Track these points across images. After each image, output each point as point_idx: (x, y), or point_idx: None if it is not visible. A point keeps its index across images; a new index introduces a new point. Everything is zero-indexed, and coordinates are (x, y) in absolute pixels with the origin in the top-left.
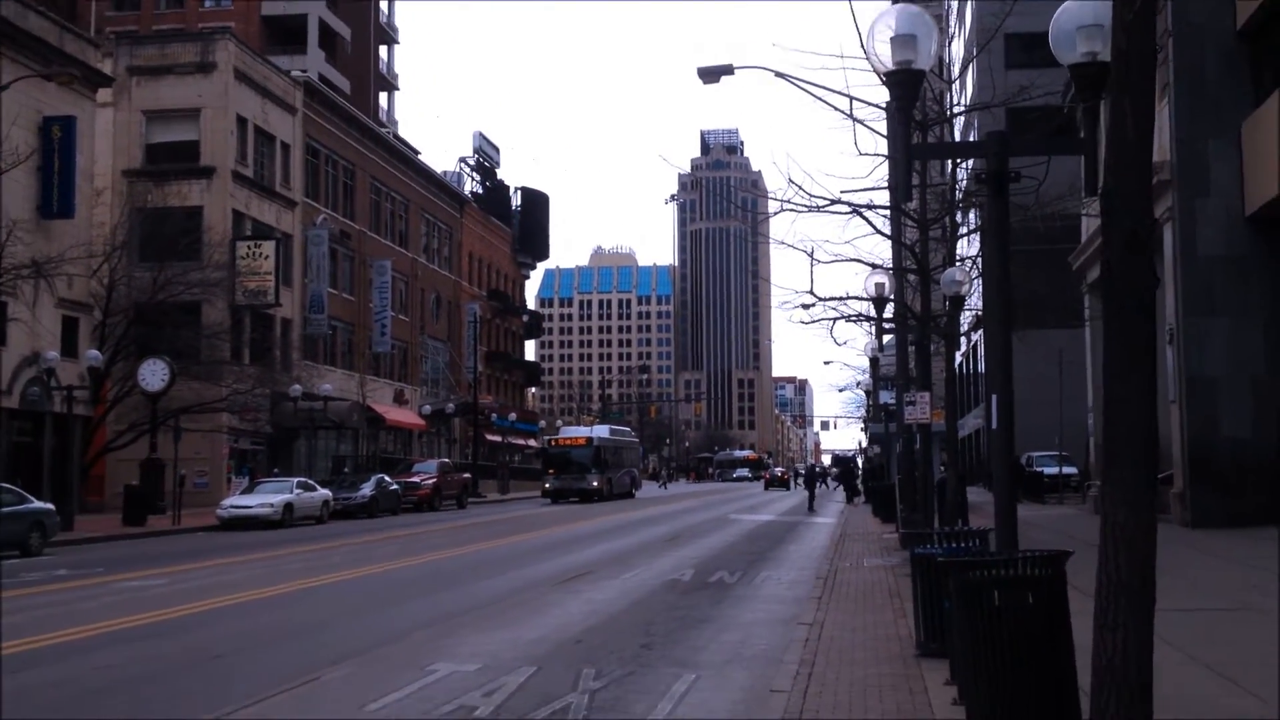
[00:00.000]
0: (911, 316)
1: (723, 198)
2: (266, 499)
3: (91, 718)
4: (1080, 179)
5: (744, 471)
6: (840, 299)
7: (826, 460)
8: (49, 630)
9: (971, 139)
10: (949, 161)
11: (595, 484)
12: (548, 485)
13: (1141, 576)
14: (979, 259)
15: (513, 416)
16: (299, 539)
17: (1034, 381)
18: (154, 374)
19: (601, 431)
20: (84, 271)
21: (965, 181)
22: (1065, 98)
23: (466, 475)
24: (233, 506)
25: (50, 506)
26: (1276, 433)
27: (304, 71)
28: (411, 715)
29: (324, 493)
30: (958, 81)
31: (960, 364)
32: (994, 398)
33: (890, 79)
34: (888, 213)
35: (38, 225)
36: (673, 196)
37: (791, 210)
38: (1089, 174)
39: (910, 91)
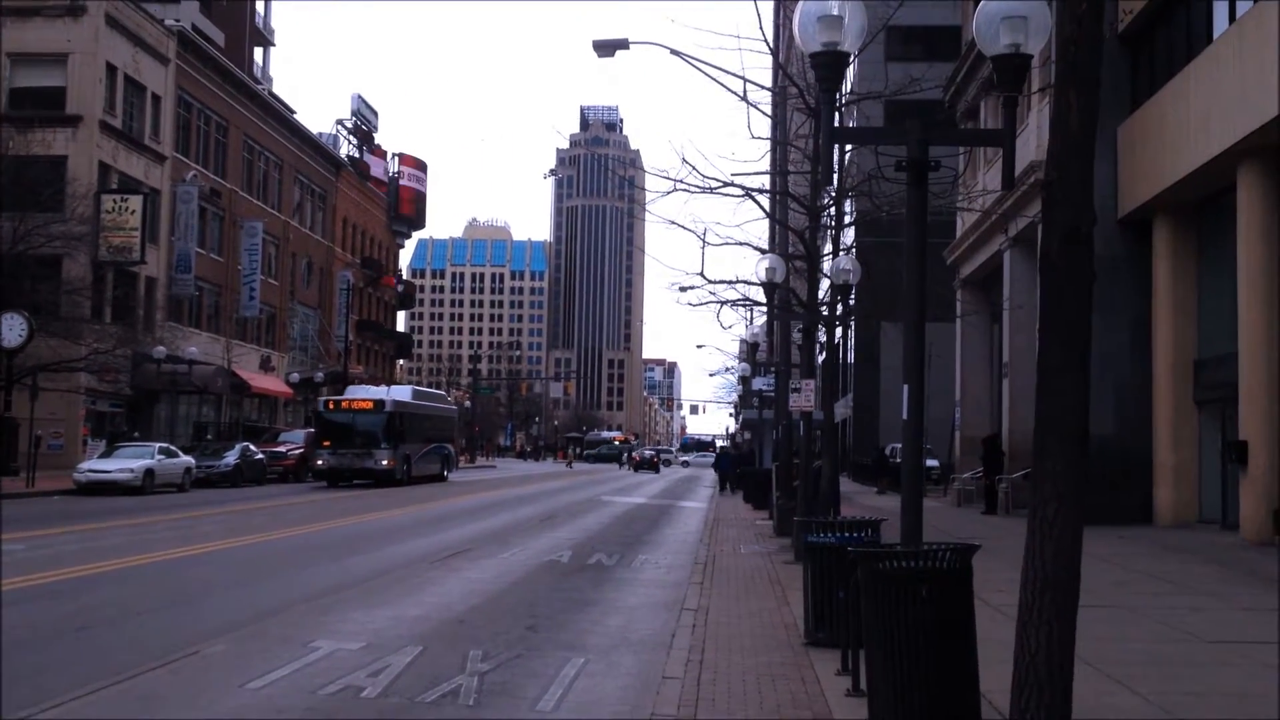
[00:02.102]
0: (799, 303)
1: (602, 174)
2: (126, 464)
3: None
4: (957, 173)
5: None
6: (729, 282)
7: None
8: None
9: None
10: (837, 149)
11: (385, 462)
12: (319, 462)
13: (1069, 572)
14: (854, 248)
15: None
16: (162, 507)
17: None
18: (11, 329)
19: (401, 393)
20: None
21: (848, 167)
22: (946, 93)
23: None
24: (91, 471)
25: None
26: (1135, 432)
27: (178, 21)
28: (296, 694)
29: (186, 459)
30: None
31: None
32: (905, 388)
33: (816, 59)
34: (778, 198)
35: None
36: (551, 171)
37: (685, 190)
38: (1007, 166)
39: (835, 73)
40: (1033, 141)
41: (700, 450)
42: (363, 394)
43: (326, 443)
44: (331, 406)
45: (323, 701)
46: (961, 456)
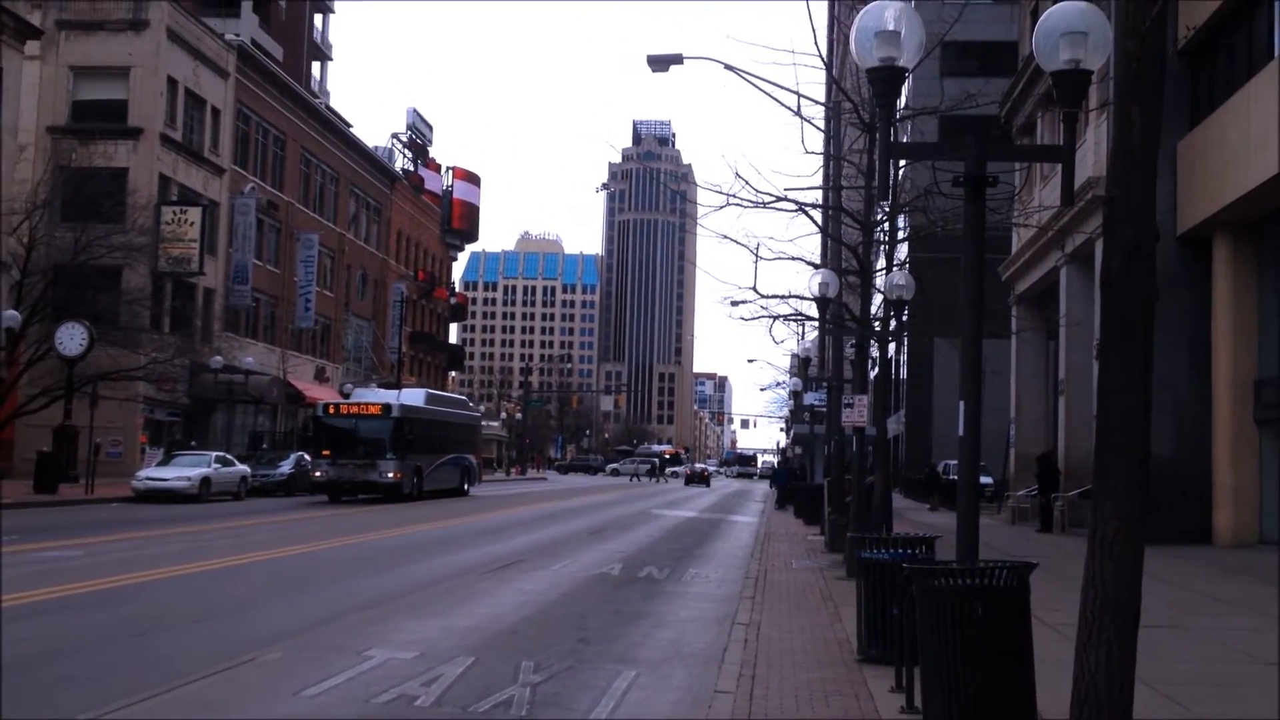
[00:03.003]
0: (851, 319)
1: (654, 189)
2: (183, 472)
3: (8, 693)
4: (1014, 188)
5: (631, 465)
6: (782, 297)
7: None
8: None
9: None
10: (892, 165)
11: (392, 475)
12: (318, 474)
13: (1129, 592)
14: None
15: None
16: (218, 515)
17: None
18: (72, 338)
19: (412, 397)
20: (4, 229)
21: (903, 182)
22: (1002, 108)
23: None
24: (149, 478)
25: None
26: (1194, 452)
27: (237, 36)
28: (350, 702)
29: (242, 468)
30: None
31: (880, 370)
32: (961, 404)
33: (873, 75)
34: (831, 212)
35: None
36: (604, 185)
37: (738, 205)
38: (1066, 182)
39: (892, 88)
40: (1089, 158)
41: (742, 464)
42: (369, 398)
43: (326, 452)
44: (332, 411)
45: (376, 710)
46: (1016, 474)
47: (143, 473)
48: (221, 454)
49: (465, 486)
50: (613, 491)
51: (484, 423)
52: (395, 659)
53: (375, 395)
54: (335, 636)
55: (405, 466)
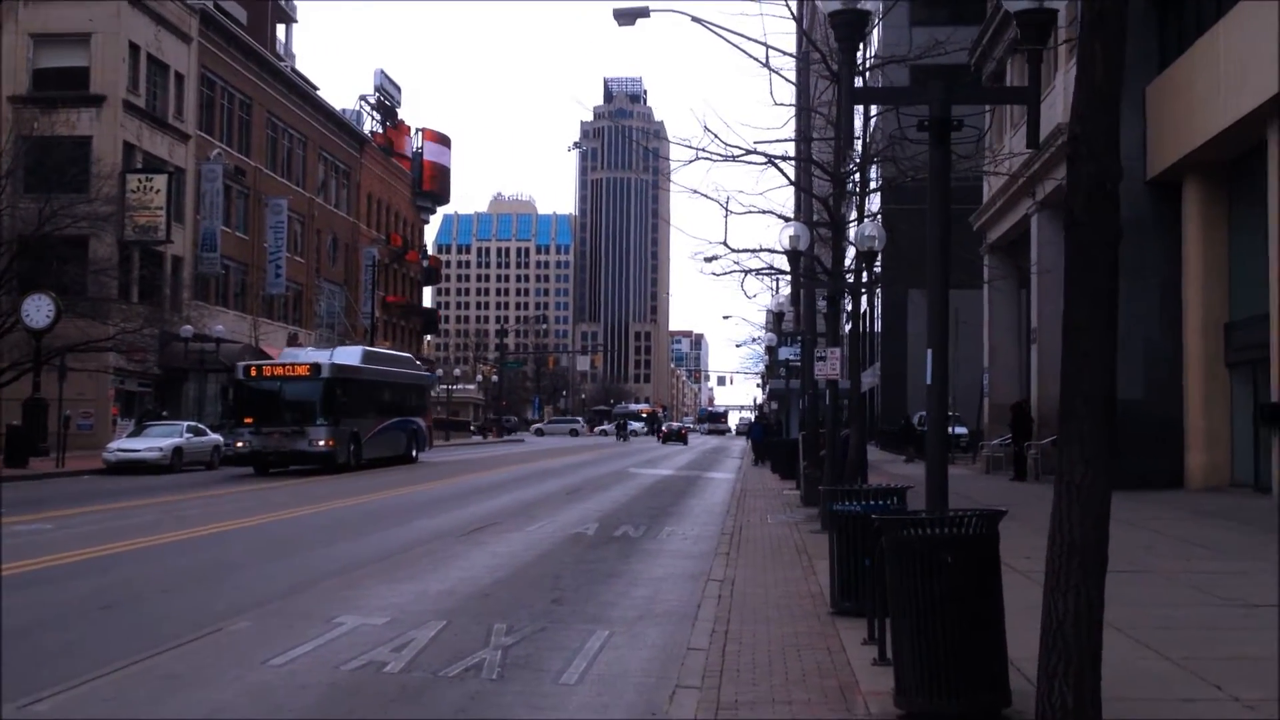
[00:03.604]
0: (823, 271)
1: (626, 147)
2: (155, 443)
3: None
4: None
5: (607, 426)
6: (753, 251)
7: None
8: None
9: None
10: (862, 115)
11: (323, 443)
12: (239, 444)
13: (1097, 537)
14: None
15: (426, 368)
16: (191, 485)
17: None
18: (38, 310)
19: (347, 355)
20: None
21: (873, 132)
22: (972, 56)
23: None
24: (120, 450)
25: None
26: (1166, 396)
27: None
28: (319, 669)
29: (215, 438)
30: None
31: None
32: (929, 353)
33: (835, 19)
34: (801, 165)
35: None
36: (575, 144)
37: (706, 159)
38: (1032, 123)
39: (855, 32)
40: (1059, 104)
41: (713, 421)
42: (299, 357)
43: (249, 420)
44: (254, 374)
45: (345, 677)
46: (990, 423)
47: (114, 444)
48: (194, 424)
49: (414, 453)
50: (589, 451)
51: (461, 386)
52: (366, 625)
53: (305, 354)
54: (305, 604)
55: (339, 433)
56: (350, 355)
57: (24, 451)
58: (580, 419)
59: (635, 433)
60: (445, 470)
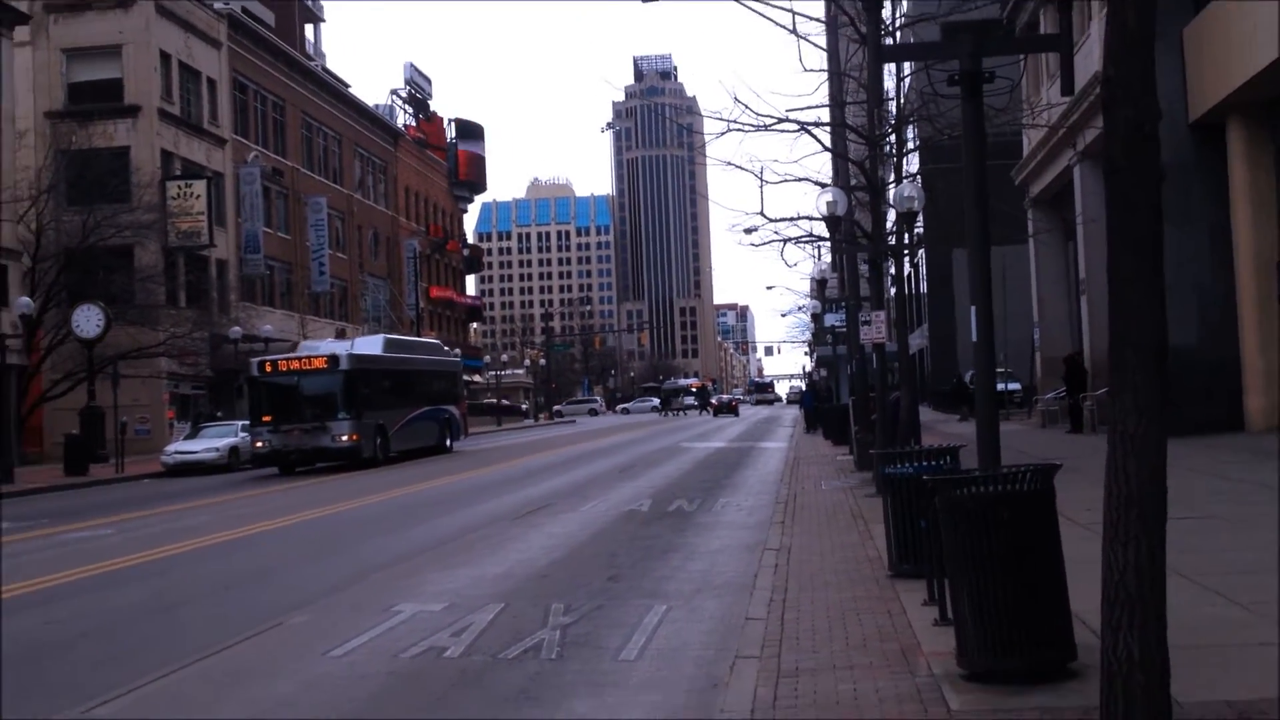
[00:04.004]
0: (863, 235)
1: (659, 124)
2: (211, 443)
3: (44, 675)
4: (1024, 91)
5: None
6: (791, 219)
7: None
8: None
9: None
10: (895, 76)
11: (346, 438)
12: (258, 444)
13: (1154, 487)
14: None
15: (457, 353)
16: (247, 483)
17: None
18: (88, 320)
19: (368, 345)
20: (10, 217)
21: (908, 93)
22: (1004, 9)
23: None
24: (177, 452)
25: None
26: (1221, 340)
27: (227, 4)
28: (378, 658)
29: None
30: None
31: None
32: (973, 309)
33: None
34: (835, 130)
35: None
36: (609, 125)
37: (739, 130)
38: (1065, 70)
39: None
40: (1095, 53)
41: (760, 392)
42: (319, 350)
43: (267, 418)
44: (270, 369)
45: (405, 664)
46: (1043, 377)
47: (171, 447)
48: (248, 423)
49: (447, 442)
50: (640, 429)
51: (510, 371)
52: (424, 612)
53: (323, 346)
54: (363, 594)
55: (363, 427)
56: (371, 345)
57: (83, 459)
58: (598, 399)
59: (684, 407)
60: (484, 458)
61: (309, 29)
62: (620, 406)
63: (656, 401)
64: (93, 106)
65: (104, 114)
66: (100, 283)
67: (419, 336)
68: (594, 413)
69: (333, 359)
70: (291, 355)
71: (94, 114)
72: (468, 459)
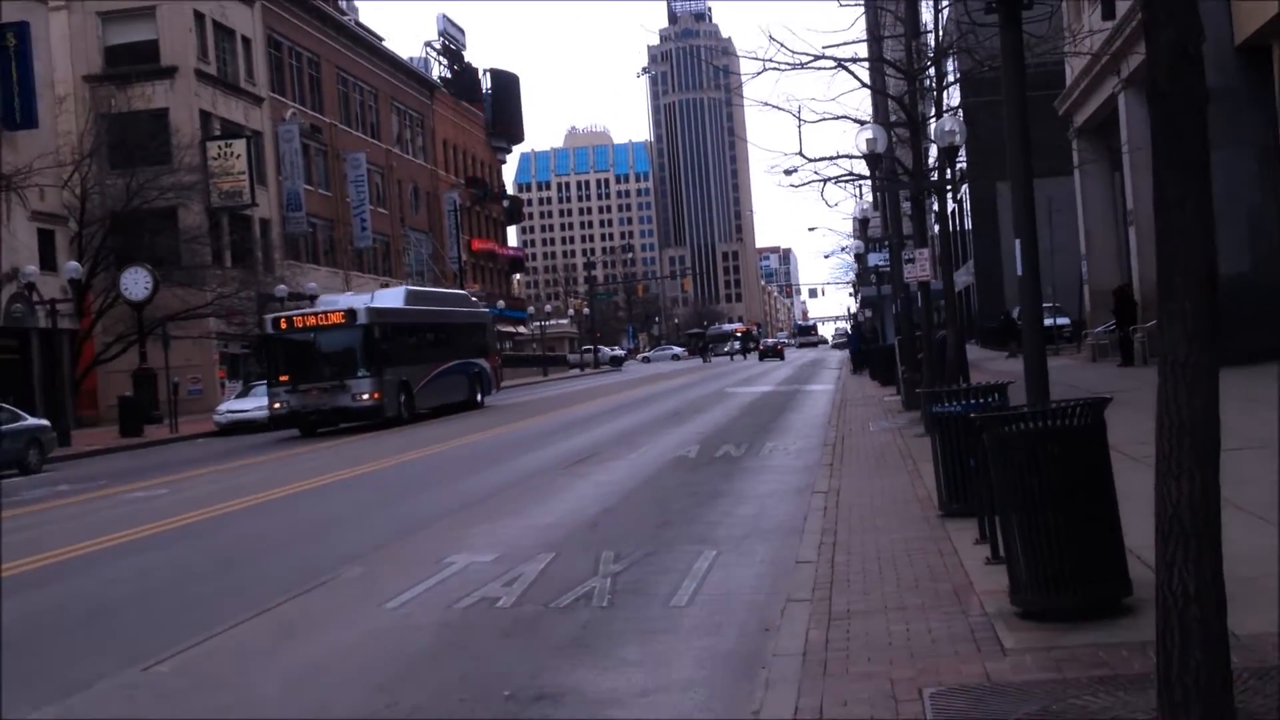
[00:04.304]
0: (904, 172)
1: (695, 67)
2: (262, 401)
3: (108, 634)
4: (1065, 18)
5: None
6: (830, 159)
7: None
8: (55, 547)
9: None
10: (933, 7)
11: (367, 396)
12: (276, 405)
13: (1206, 417)
14: (960, 110)
15: (501, 304)
16: (298, 440)
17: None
18: (136, 283)
19: (388, 298)
20: (55, 182)
21: (946, 25)
22: None
23: None
24: (229, 411)
25: (45, 423)
26: (1273, 266)
27: None
28: (432, 609)
29: None
30: None
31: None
32: (1018, 242)
33: None
34: (873, 65)
35: (2, 138)
36: (644, 69)
37: (774, 69)
38: None
39: None
40: None
41: (804, 335)
42: (336, 304)
43: (284, 377)
44: (285, 325)
45: (458, 615)
46: (1092, 311)
47: (223, 406)
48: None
49: (478, 397)
50: (686, 375)
51: (554, 322)
52: (476, 563)
53: (342, 300)
54: (416, 547)
55: (385, 384)
56: (392, 297)
57: (137, 420)
58: (619, 348)
59: (719, 352)
60: (518, 412)
61: None
62: (641, 356)
63: (676, 350)
64: (130, 69)
65: (141, 76)
66: (146, 245)
67: (462, 289)
68: (676, 358)
69: (349, 313)
70: (307, 311)
71: (132, 76)
72: (500, 414)
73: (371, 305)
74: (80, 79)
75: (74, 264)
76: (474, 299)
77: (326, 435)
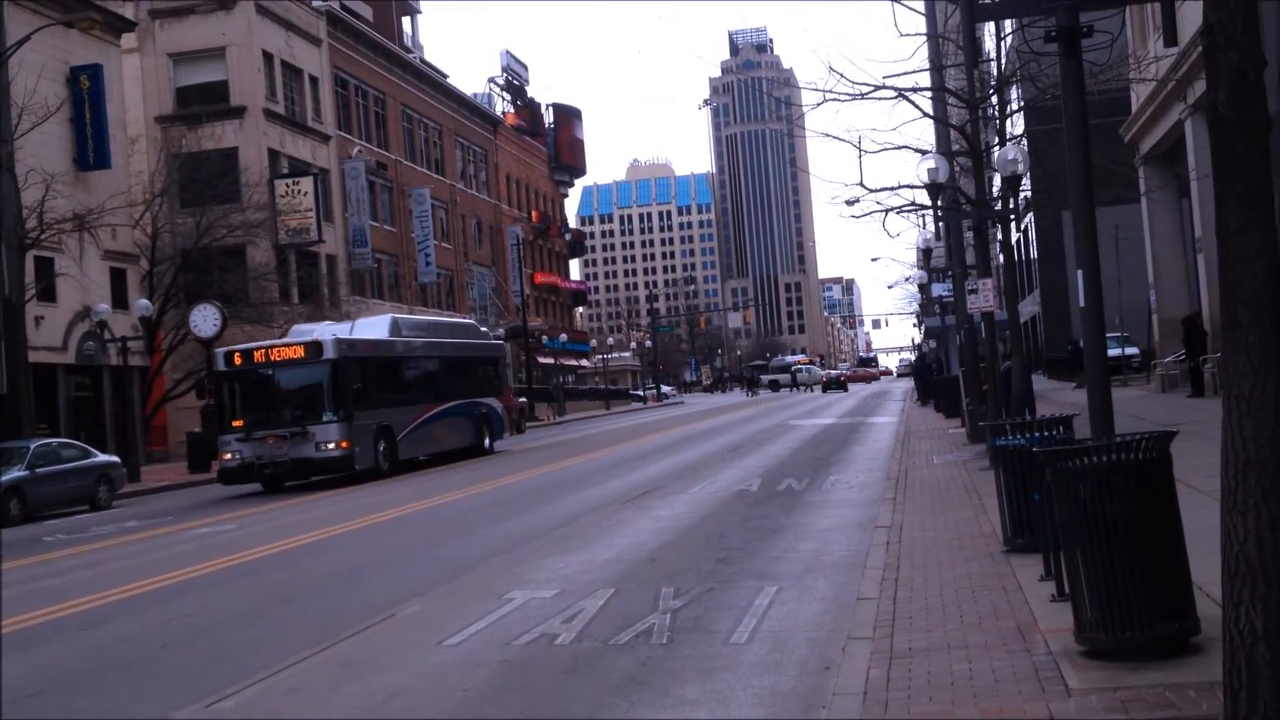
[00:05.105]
0: (967, 201)
1: (756, 98)
2: None
3: (168, 671)
4: (1129, 45)
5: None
6: (891, 189)
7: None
8: (121, 584)
9: None
10: (995, 36)
11: (334, 445)
12: (226, 455)
13: (1272, 451)
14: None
15: (563, 338)
16: (364, 475)
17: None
18: (205, 319)
19: (369, 328)
20: (127, 221)
21: (1009, 53)
22: None
23: (522, 400)
24: None
25: (115, 459)
26: None
27: (325, 1)
28: (492, 646)
29: None
30: None
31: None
32: (1079, 272)
33: None
34: (934, 94)
35: (76, 178)
36: (705, 102)
37: (835, 100)
38: (1167, 19)
39: None
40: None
41: (865, 366)
42: (304, 335)
43: (238, 422)
44: (239, 360)
45: (518, 652)
46: (1161, 340)
47: None
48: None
49: (486, 442)
50: (746, 408)
51: (616, 354)
52: (535, 599)
53: (319, 330)
54: (475, 583)
55: (358, 429)
56: (375, 326)
57: (206, 456)
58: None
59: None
60: (534, 459)
61: (405, 21)
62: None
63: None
64: (200, 109)
65: (211, 116)
66: (215, 282)
67: (524, 323)
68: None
69: (314, 346)
70: (266, 344)
71: (202, 116)
72: (511, 461)
73: (341, 337)
74: (152, 119)
75: (144, 301)
76: (484, 329)
77: (290, 492)
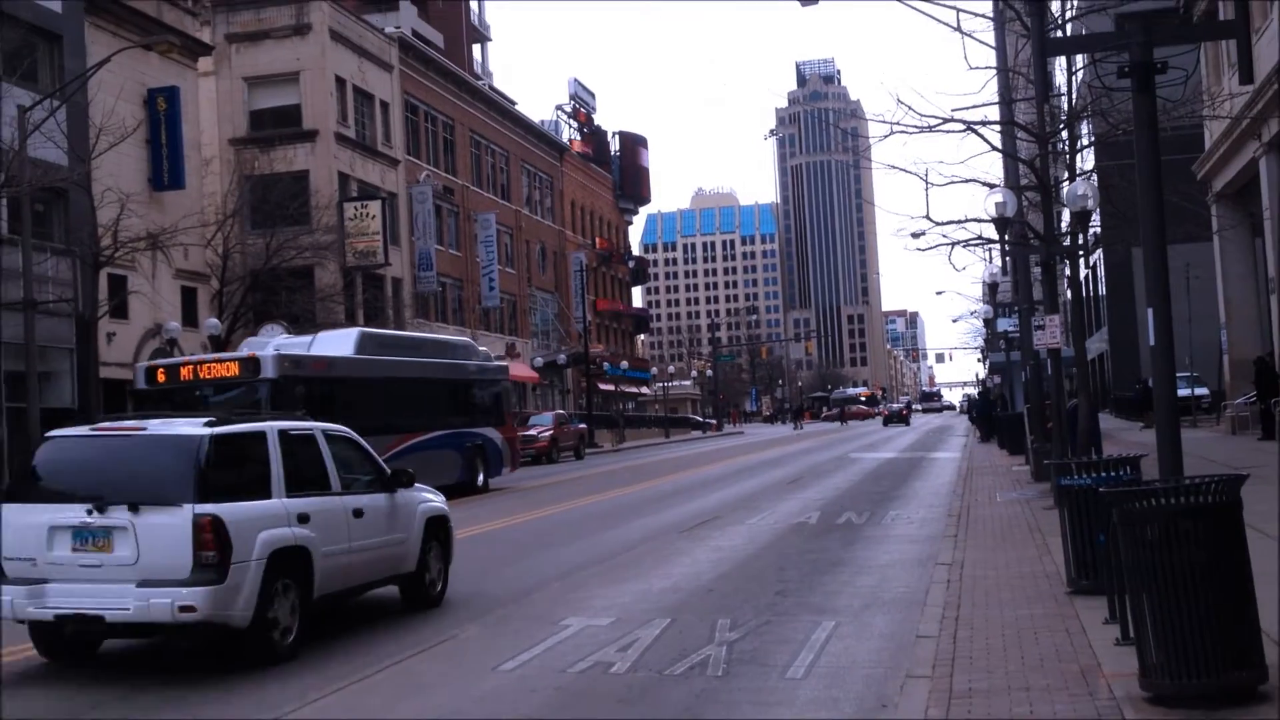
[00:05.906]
0: (1034, 236)
1: (823, 129)
2: None
3: (232, 686)
4: (1204, 82)
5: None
6: (958, 222)
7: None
8: None
9: None
10: (1066, 71)
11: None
12: None
13: None
14: (1094, 174)
15: (624, 364)
16: None
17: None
18: (272, 339)
19: (334, 342)
20: (199, 241)
21: (1080, 88)
22: None
23: (583, 426)
24: None
25: None
26: None
27: (398, 28)
28: (547, 673)
29: None
30: None
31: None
32: (1150, 311)
33: None
34: (1003, 128)
35: (150, 198)
36: (771, 132)
37: (902, 132)
38: (1243, 56)
39: None
40: (1277, 39)
41: (927, 401)
42: (264, 347)
43: None
44: (162, 378)
45: (572, 680)
46: (1232, 381)
47: None
48: None
49: (479, 478)
50: (806, 440)
51: (677, 383)
52: (591, 626)
53: (274, 343)
54: (532, 608)
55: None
56: (338, 342)
57: None
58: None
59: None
60: (545, 497)
61: (476, 49)
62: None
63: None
64: (273, 132)
65: (284, 139)
66: (283, 303)
67: (586, 349)
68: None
69: (249, 363)
70: (195, 359)
71: (275, 139)
72: (512, 501)
73: (284, 353)
74: (226, 141)
75: (214, 320)
76: (483, 350)
77: None
